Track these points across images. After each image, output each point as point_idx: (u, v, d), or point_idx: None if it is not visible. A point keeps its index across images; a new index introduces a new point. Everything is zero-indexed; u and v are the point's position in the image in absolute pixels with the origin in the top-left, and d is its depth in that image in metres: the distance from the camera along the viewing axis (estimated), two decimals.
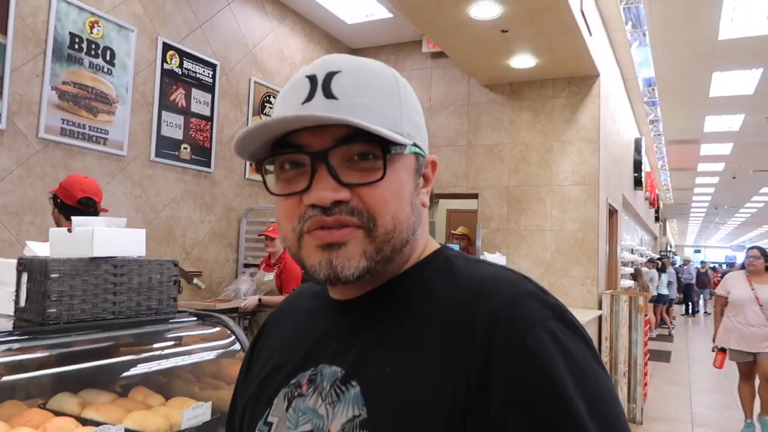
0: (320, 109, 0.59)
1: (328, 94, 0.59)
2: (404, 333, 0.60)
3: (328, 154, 0.58)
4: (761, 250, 5.27)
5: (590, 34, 5.33)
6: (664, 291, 13.24)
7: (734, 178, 15.57)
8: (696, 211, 25.46)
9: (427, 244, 0.70)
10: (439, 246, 0.71)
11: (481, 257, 4.89)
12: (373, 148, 0.59)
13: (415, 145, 0.64)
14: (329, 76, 0.61)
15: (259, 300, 4.67)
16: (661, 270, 13.61)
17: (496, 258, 4.83)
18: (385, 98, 0.62)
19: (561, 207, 6.33)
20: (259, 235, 5.00)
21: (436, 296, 0.62)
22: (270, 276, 4.84)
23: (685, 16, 6.15)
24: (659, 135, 11.51)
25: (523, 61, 5.65)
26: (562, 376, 0.53)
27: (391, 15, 6.24)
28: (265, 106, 5.97)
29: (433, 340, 0.58)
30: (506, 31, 4.88)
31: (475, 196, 6.81)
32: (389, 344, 0.60)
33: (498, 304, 0.57)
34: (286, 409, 0.65)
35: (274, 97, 6.06)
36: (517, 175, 6.54)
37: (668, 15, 6.14)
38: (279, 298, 4.81)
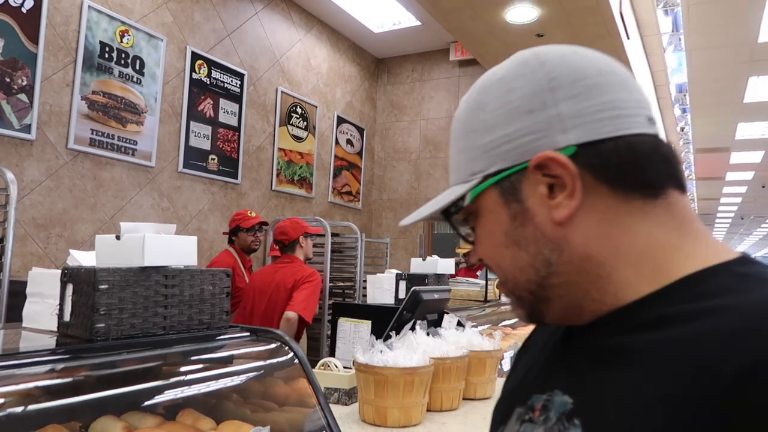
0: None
1: None
2: (632, 376, 0.46)
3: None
4: None
5: (628, 38, 5.17)
6: None
7: (764, 186, 15.19)
8: (720, 221, 24.94)
9: (685, 254, 0.50)
10: (730, 257, 0.50)
11: None
12: (445, 219, 0.60)
13: (488, 177, 0.54)
14: None
15: None
16: None
17: None
18: (460, 143, 0.58)
19: None
20: (269, 254, 4.84)
21: (681, 332, 0.44)
22: None
23: (724, 17, 5.96)
24: (688, 143, 11.24)
25: None
26: None
27: (418, 23, 6.13)
28: (292, 116, 5.87)
29: (659, 394, 0.43)
30: (542, 35, 4.74)
31: None
32: (617, 386, 0.47)
33: (765, 352, 0.38)
34: None
35: (300, 107, 5.97)
36: None
37: (707, 17, 5.95)
38: None
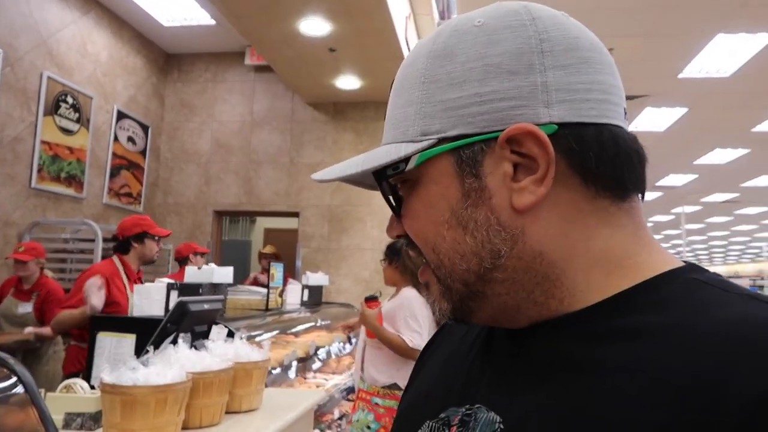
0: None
1: None
2: (587, 404, 0.40)
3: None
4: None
5: None
6: None
7: None
8: None
9: (639, 262, 0.46)
10: (678, 265, 0.46)
11: (303, 277, 4.74)
12: (376, 181, 0.50)
13: (444, 141, 0.46)
14: None
15: (35, 336, 3.54)
16: None
17: (319, 278, 4.69)
18: (403, 97, 0.50)
19: (380, 227, 6.48)
20: (7, 258, 4.03)
21: (645, 353, 0.39)
22: (27, 308, 3.81)
23: None
24: None
25: (348, 82, 5.71)
26: None
27: (213, 22, 5.90)
28: (60, 106, 5.22)
29: (630, 415, 0.37)
30: (334, 50, 4.89)
31: (296, 214, 6.69)
32: (566, 413, 0.41)
33: None
34: None
35: (71, 96, 5.34)
36: (339, 195, 6.57)
37: None
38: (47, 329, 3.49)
